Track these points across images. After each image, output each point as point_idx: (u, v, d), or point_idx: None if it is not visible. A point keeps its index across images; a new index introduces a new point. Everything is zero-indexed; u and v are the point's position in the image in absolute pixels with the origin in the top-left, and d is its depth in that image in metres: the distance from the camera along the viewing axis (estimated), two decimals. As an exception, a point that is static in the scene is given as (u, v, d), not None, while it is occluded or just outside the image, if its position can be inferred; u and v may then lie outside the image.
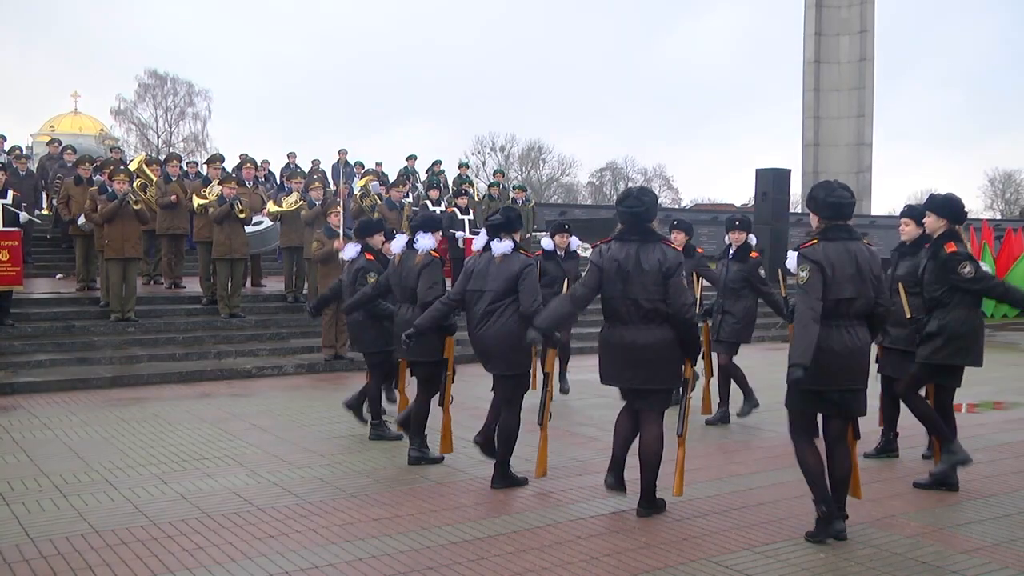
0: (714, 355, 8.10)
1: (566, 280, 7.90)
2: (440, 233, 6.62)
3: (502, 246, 5.73)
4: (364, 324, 7.25)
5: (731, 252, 8.12)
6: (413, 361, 6.43)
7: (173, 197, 13.08)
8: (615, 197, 5.31)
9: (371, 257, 7.34)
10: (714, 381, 8.13)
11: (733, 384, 8.15)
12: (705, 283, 8.58)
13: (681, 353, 5.08)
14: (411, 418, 6.48)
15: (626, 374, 5.08)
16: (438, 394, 6.27)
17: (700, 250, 9.16)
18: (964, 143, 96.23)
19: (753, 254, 8.06)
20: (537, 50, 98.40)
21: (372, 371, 7.35)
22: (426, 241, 6.33)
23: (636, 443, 5.26)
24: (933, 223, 5.87)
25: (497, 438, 5.90)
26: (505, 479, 5.82)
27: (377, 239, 7.49)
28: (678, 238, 8.88)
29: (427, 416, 6.46)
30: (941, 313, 5.77)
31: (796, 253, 4.81)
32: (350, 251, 7.45)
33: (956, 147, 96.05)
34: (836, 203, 4.77)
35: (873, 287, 4.71)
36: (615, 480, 5.33)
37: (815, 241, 4.75)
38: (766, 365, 12.02)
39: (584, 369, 9.28)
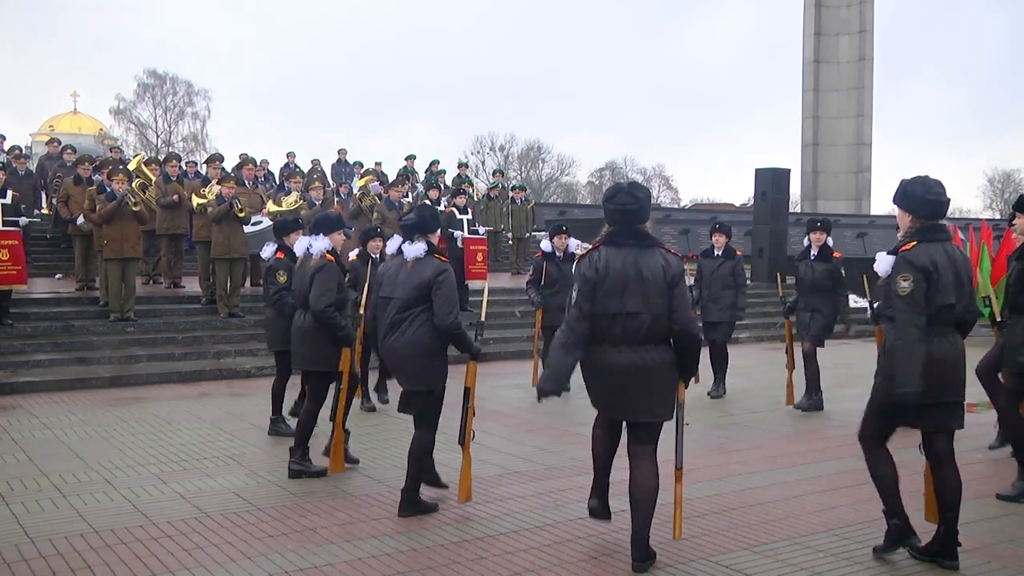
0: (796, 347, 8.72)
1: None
2: (341, 234, 6.21)
3: (414, 249, 5.13)
4: (274, 322, 7.18)
5: (813, 253, 8.53)
6: (304, 370, 6.22)
7: (175, 196, 13.06)
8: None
9: (281, 255, 7.10)
10: (796, 374, 8.70)
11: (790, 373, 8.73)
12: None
13: (678, 375, 4.42)
14: (296, 428, 6.20)
15: (622, 403, 4.35)
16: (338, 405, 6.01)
17: (739, 252, 9.63)
18: (966, 143, 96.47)
19: (836, 254, 8.50)
20: (537, 49, 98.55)
21: (279, 368, 7.31)
22: (320, 243, 6.00)
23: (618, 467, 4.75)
24: (1023, 224, 5.66)
25: (408, 459, 5.23)
26: (413, 505, 5.22)
27: (293, 238, 7.12)
28: (720, 240, 9.36)
29: (312, 428, 6.12)
30: (1019, 319, 5.55)
31: (891, 256, 4.39)
32: (266, 251, 7.30)
33: (958, 147, 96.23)
34: (936, 201, 4.35)
35: (966, 292, 4.39)
36: (600, 505, 4.76)
37: (915, 243, 4.32)
38: (765, 364, 12.04)
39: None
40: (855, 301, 9.38)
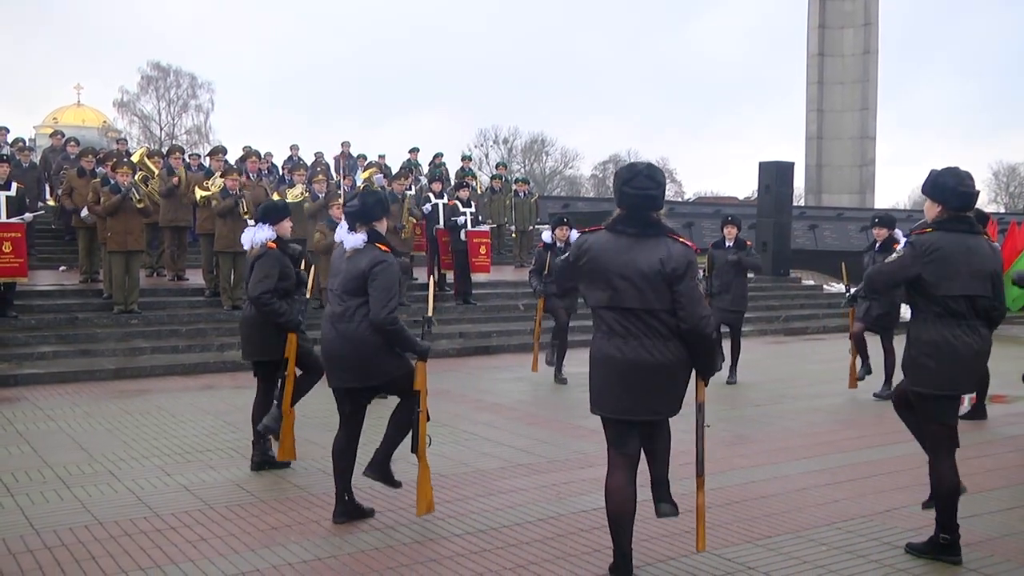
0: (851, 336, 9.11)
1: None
2: (288, 222, 6.14)
3: (354, 239, 4.86)
4: None
5: (877, 245, 9.07)
6: (254, 361, 6.13)
7: (175, 180, 13.02)
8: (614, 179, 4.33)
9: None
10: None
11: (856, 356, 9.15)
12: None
13: (691, 374, 4.08)
14: (254, 422, 6.11)
15: (624, 402, 4.01)
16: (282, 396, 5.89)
17: (749, 243, 10.06)
18: (972, 136, 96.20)
19: (895, 245, 8.82)
20: (541, 42, 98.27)
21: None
22: (263, 233, 5.94)
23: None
24: None
25: (388, 424, 5.07)
26: (382, 471, 5.09)
27: (284, 225, 6.81)
28: (731, 232, 9.65)
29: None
30: None
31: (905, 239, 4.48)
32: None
33: (964, 140, 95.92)
34: (966, 193, 4.37)
35: (992, 285, 4.39)
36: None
37: (930, 230, 4.37)
38: (769, 358, 12.05)
39: (585, 362, 9.31)
40: (830, 285, 9.79)
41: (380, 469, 5.08)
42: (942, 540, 4.43)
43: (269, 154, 19.61)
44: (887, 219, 9.23)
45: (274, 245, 5.97)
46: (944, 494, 4.41)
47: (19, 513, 5.11)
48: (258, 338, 6.02)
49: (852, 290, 9.27)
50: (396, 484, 5.15)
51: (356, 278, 4.80)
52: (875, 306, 8.90)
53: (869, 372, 9.26)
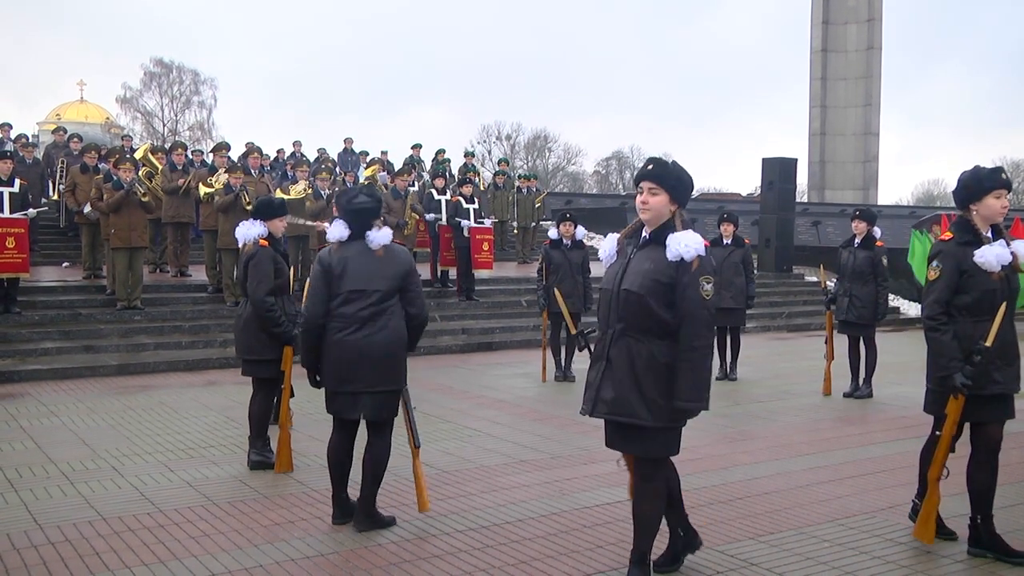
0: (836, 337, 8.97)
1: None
2: (284, 220, 6.09)
3: (382, 236, 4.71)
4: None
5: (856, 241, 8.86)
6: (245, 359, 6.06)
7: (180, 180, 13.04)
8: (633, 177, 4.58)
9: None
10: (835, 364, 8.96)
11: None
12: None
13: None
14: (250, 419, 6.10)
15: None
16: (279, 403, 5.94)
17: (748, 240, 10.08)
18: (980, 133, 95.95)
19: (878, 243, 8.82)
20: (543, 39, 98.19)
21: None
22: (255, 229, 5.90)
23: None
24: None
25: (364, 468, 4.78)
26: (371, 519, 4.81)
27: (277, 223, 6.65)
28: (728, 229, 9.84)
29: (268, 416, 6.10)
30: None
31: (1001, 245, 4.61)
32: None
33: (972, 136, 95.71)
34: None
35: None
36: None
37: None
38: (772, 354, 12.04)
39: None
40: (831, 280, 9.59)
41: (368, 521, 4.81)
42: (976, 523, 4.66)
43: (280, 151, 19.64)
44: (868, 213, 8.99)
45: (266, 243, 5.92)
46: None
47: (23, 508, 5.13)
48: (248, 337, 5.99)
49: (831, 292, 9.09)
50: (390, 521, 4.90)
51: (398, 276, 4.68)
52: (856, 304, 8.61)
53: (862, 393, 8.84)
